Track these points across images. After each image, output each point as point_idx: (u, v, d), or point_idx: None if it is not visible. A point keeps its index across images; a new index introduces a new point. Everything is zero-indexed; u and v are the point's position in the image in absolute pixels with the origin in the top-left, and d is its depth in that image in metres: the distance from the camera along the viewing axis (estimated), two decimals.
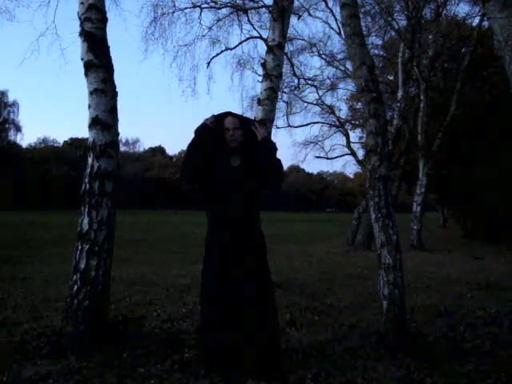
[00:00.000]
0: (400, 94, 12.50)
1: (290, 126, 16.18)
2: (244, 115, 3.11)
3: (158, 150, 78.53)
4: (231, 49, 8.35)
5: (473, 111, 14.66)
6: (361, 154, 16.41)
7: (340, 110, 30.75)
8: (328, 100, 33.30)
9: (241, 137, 2.80)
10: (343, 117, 18.38)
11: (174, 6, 8.21)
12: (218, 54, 8.24)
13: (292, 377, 2.78)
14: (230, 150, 2.82)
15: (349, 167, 79.70)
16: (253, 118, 6.88)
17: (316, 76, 15.61)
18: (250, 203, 2.77)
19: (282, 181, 2.92)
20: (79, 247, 3.39)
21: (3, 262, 8.21)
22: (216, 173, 2.79)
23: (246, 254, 2.74)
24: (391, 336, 3.33)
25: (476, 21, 14.05)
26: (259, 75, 9.29)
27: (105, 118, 3.54)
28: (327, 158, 17.50)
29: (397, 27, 13.22)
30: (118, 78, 3.69)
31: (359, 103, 15.64)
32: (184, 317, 4.23)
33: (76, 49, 3.81)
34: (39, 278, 6.55)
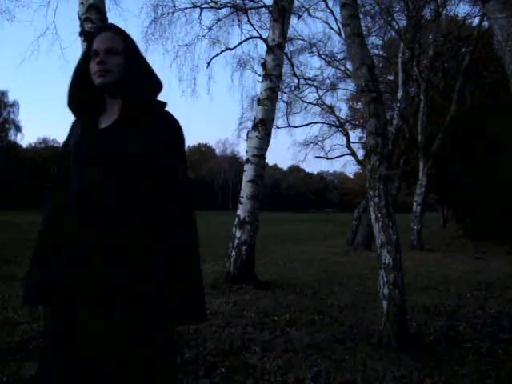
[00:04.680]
0: (400, 94, 12.50)
1: (290, 126, 16.20)
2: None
3: None
4: (231, 49, 8.39)
5: (473, 111, 14.66)
6: (361, 154, 16.44)
7: (340, 110, 30.92)
8: (328, 100, 33.42)
9: (120, 68, 1.42)
10: (343, 117, 18.43)
11: (174, 6, 8.25)
12: (218, 54, 8.28)
13: (292, 377, 2.78)
14: (98, 92, 1.45)
15: (349, 167, 79.90)
16: (253, 118, 6.90)
17: (316, 76, 15.67)
18: (127, 199, 1.34)
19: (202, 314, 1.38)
20: None
21: (3, 262, 8.20)
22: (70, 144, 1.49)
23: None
24: (391, 336, 3.33)
25: (476, 21, 14.08)
26: (259, 75, 9.32)
27: None
28: (327, 158, 17.53)
29: (397, 27, 13.22)
30: None
31: (359, 103, 15.65)
32: None
33: (76, 49, 3.81)
34: None
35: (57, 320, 1.36)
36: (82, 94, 1.48)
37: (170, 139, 1.42)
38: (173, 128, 1.44)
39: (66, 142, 1.53)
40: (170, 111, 1.46)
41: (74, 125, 1.53)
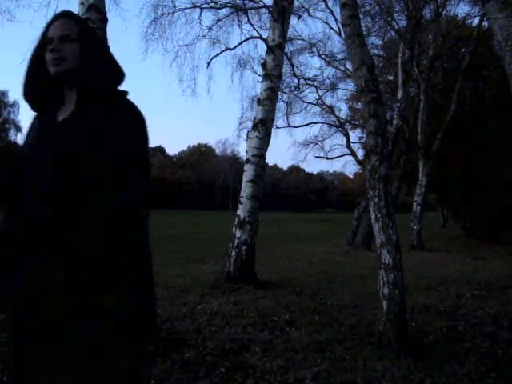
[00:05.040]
0: (400, 94, 12.50)
1: (290, 126, 16.21)
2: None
3: (158, 150, 78.63)
4: (231, 49, 8.38)
5: (473, 111, 14.66)
6: (361, 154, 16.45)
7: (340, 110, 30.90)
8: (328, 100, 33.42)
9: (76, 56, 1.33)
10: (343, 117, 18.44)
11: (174, 6, 8.23)
12: (218, 54, 8.27)
13: (292, 377, 2.78)
14: (55, 83, 1.36)
15: (349, 167, 79.86)
16: (253, 118, 6.91)
17: (316, 76, 15.67)
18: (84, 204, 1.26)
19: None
20: None
21: None
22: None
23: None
24: (391, 336, 3.33)
25: (476, 21, 14.09)
26: (259, 75, 9.29)
27: None
28: (327, 158, 17.54)
29: (397, 27, 13.23)
30: None
31: (359, 103, 15.64)
32: (184, 317, 4.23)
33: None
34: None
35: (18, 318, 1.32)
36: (39, 85, 1.38)
37: (131, 129, 1.32)
38: (135, 118, 1.35)
39: (25, 141, 1.45)
40: (133, 100, 1.40)
41: (34, 121, 1.45)
